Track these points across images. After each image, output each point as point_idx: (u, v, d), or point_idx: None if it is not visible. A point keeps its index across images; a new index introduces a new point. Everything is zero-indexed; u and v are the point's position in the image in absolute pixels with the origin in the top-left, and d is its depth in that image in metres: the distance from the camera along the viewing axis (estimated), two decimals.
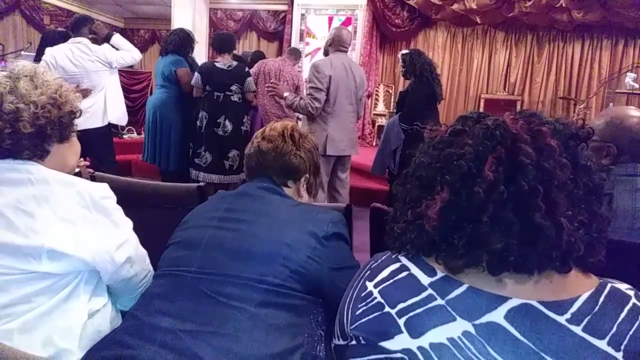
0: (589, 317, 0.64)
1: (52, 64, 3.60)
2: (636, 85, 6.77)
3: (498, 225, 0.66)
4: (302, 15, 8.35)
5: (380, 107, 8.68)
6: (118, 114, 4.09)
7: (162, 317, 1.06)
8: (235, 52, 4.56)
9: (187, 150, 4.22)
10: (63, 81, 1.19)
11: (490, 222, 0.67)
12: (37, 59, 3.98)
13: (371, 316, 0.74)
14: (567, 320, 0.64)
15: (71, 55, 3.66)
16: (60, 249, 1.02)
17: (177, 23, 6.13)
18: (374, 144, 8.15)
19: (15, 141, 1.06)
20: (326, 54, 3.76)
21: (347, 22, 8.09)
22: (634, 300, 0.67)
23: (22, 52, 6.65)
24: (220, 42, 4.15)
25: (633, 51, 7.61)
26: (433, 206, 0.72)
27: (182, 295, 1.09)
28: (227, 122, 3.99)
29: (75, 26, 3.81)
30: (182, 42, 4.28)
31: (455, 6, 7.31)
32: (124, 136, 6.77)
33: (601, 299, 0.67)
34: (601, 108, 7.54)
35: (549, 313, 0.65)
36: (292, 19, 8.54)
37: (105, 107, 3.88)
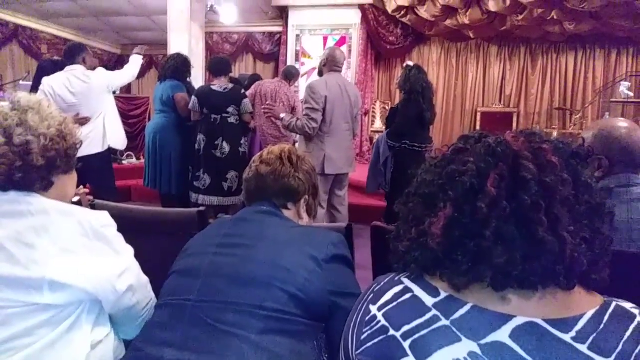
0: (594, 335, 0.64)
1: (50, 94, 3.60)
2: (631, 94, 6.82)
3: (501, 240, 0.67)
4: (297, 36, 8.45)
5: (378, 124, 8.72)
6: (117, 137, 4.08)
7: (165, 347, 1.05)
8: (232, 74, 4.60)
9: (187, 174, 4.23)
10: (63, 112, 1.20)
11: (494, 237, 0.67)
12: (34, 89, 4.00)
13: (376, 340, 0.73)
14: (572, 338, 0.64)
15: (69, 84, 3.67)
16: (61, 279, 1.01)
17: (173, 48, 6.18)
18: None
19: (26, 174, 1.07)
20: (321, 74, 3.81)
21: (342, 41, 8.18)
22: (639, 318, 0.66)
23: (20, 82, 6.70)
24: (216, 65, 4.20)
25: (626, 60, 7.69)
26: (437, 223, 0.72)
27: (184, 325, 1.08)
28: (224, 144, 4.01)
29: (69, 54, 3.82)
30: (180, 67, 4.33)
31: (448, 22, 7.39)
32: (124, 162, 6.79)
33: (606, 317, 0.66)
34: (597, 117, 7.58)
35: (554, 331, 0.64)
36: (287, 40, 8.63)
37: (104, 131, 3.88)
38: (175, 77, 4.30)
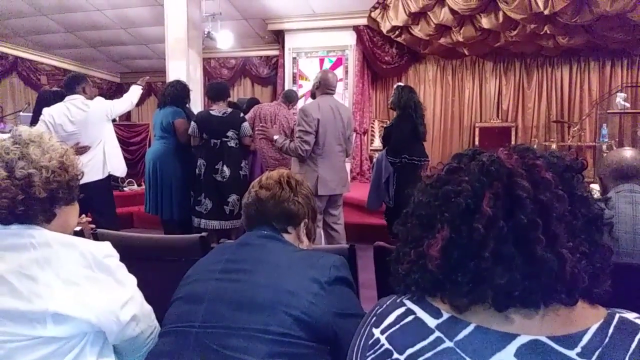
0: (600, 349, 0.63)
1: (50, 123, 3.66)
2: (627, 105, 6.85)
3: (500, 260, 0.66)
4: (294, 58, 8.53)
5: (377, 143, 8.73)
6: (117, 164, 4.12)
7: None
8: (230, 99, 4.64)
9: (188, 199, 4.24)
10: (64, 144, 1.21)
11: (492, 257, 0.66)
12: (35, 119, 4.05)
13: None
14: (577, 354, 0.63)
15: (68, 114, 3.72)
16: (64, 311, 1.01)
17: (172, 75, 6.23)
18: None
19: (28, 207, 1.07)
20: (313, 96, 3.89)
21: (338, 62, 8.25)
22: None
23: (21, 113, 6.75)
24: (214, 91, 4.24)
25: (621, 71, 7.72)
26: (434, 245, 0.72)
27: (188, 352, 1.08)
28: (225, 168, 4.02)
29: (69, 85, 3.89)
30: (179, 93, 4.37)
31: (442, 40, 7.45)
32: (125, 188, 6.80)
33: (610, 330, 0.66)
34: (595, 129, 7.60)
35: (559, 348, 0.64)
36: (284, 63, 8.70)
37: (104, 159, 3.92)
38: (174, 104, 4.34)
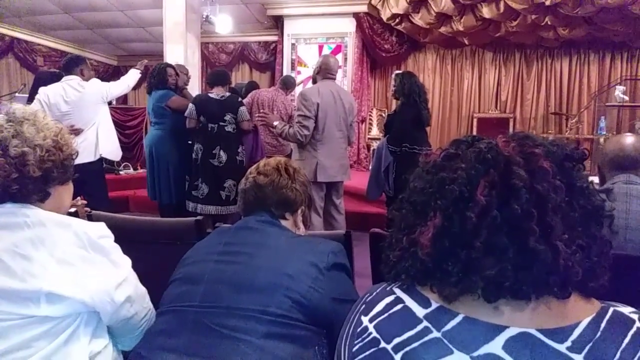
0: (591, 344, 0.61)
1: (45, 103, 3.64)
2: (626, 98, 6.85)
3: (492, 250, 0.64)
4: (293, 45, 8.48)
5: (375, 131, 8.72)
6: (111, 148, 4.09)
7: (167, 354, 1.07)
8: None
9: (184, 183, 4.23)
10: (59, 123, 1.20)
11: (484, 247, 0.64)
12: (31, 99, 4.03)
13: (367, 352, 0.71)
14: (567, 348, 0.61)
15: (64, 93, 3.70)
16: (58, 291, 1.01)
17: (169, 59, 6.17)
18: (370, 167, 8.15)
19: (22, 186, 1.06)
20: (314, 81, 3.83)
21: (337, 49, 8.21)
22: (638, 324, 0.64)
23: (17, 94, 6.70)
24: (214, 76, 4.23)
25: (620, 64, 7.73)
26: (426, 233, 0.70)
27: (186, 331, 1.09)
28: (221, 153, 4.01)
29: (67, 66, 3.87)
30: (158, 76, 4.33)
31: (442, 29, 7.43)
32: (121, 172, 6.77)
33: (603, 324, 0.64)
34: (593, 121, 7.62)
35: (549, 341, 0.62)
36: (282, 49, 8.66)
37: (97, 141, 3.88)
38: (160, 87, 4.31)
